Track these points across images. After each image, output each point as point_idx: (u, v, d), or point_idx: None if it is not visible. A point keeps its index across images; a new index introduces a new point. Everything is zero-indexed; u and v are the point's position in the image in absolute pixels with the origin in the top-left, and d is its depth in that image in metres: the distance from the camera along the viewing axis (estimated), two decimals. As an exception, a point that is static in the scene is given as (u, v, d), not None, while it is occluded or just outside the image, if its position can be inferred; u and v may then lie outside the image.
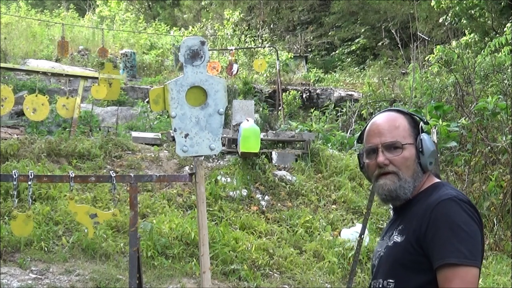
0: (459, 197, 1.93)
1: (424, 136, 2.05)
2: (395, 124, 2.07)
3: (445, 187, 2.02)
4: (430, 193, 2.00)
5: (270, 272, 6.07)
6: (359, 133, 2.20)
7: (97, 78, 8.30)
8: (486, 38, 15.07)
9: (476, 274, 1.85)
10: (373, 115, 2.19)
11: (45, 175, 5.16)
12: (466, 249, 1.84)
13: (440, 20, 16.60)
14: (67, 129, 8.70)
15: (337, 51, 22.17)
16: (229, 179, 7.76)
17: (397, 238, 1.99)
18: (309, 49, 22.55)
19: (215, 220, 6.83)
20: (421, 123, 2.10)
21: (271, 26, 23.36)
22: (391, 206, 2.16)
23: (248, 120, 8.24)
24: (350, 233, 6.88)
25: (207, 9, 24.76)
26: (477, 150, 8.04)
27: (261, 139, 8.25)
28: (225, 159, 8.46)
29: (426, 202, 1.96)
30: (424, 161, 2.03)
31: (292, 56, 17.88)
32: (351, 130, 11.88)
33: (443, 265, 1.84)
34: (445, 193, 1.95)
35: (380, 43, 21.23)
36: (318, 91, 15.65)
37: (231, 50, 13.10)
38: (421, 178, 2.04)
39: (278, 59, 13.38)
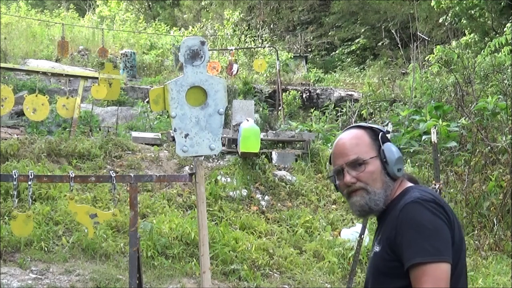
0: (423, 197, 1.96)
1: (386, 146, 2.09)
2: (355, 141, 2.12)
3: (413, 190, 2.05)
4: (400, 199, 2.04)
5: (270, 272, 6.07)
6: (330, 155, 2.27)
7: (97, 78, 8.30)
8: (486, 38, 15.08)
9: (446, 269, 1.87)
10: (337, 135, 2.24)
11: (45, 175, 5.16)
12: (431, 246, 1.86)
13: (440, 20, 16.60)
14: (67, 129, 8.70)
15: (337, 51, 22.16)
16: (229, 179, 7.76)
17: (376, 248, 2.06)
18: (309, 49, 22.55)
19: (215, 220, 6.83)
20: (381, 134, 2.13)
21: (271, 26, 23.35)
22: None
23: (248, 120, 8.24)
24: (350, 233, 6.88)
25: (207, 9, 24.76)
26: (477, 150, 8.04)
27: (261, 139, 8.25)
28: (225, 159, 8.46)
29: (395, 209, 2.01)
30: (391, 170, 2.07)
31: (292, 56, 17.88)
32: (351, 130, 11.87)
33: (412, 266, 1.88)
34: (409, 196, 2.00)
35: (380, 43, 21.22)
36: (318, 91, 15.66)
37: (231, 50, 13.10)
38: (391, 186, 2.09)
39: (278, 59, 13.38)
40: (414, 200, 1.95)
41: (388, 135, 2.17)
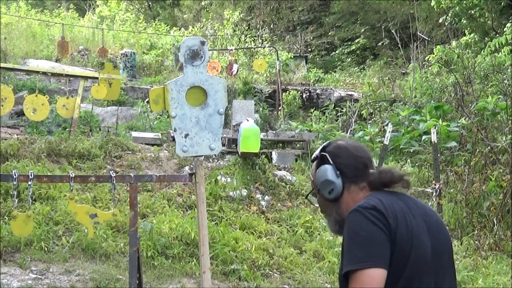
0: (364, 205, 1.99)
1: (317, 173, 2.17)
2: (311, 174, 2.27)
3: (365, 199, 2.08)
4: None
5: (270, 272, 6.06)
6: None
7: (97, 78, 8.30)
8: (486, 38, 15.08)
9: (376, 275, 1.88)
10: None
11: (45, 175, 5.16)
12: (362, 253, 1.89)
13: (440, 20, 16.60)
14: (67, 129, 8.70)
15: (337, 51, 22.16)
16: (229, 179, 7.76)
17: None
18: (309, 49, 22.55)
19: (215, 220, 6.82)
20: (315, 162, 2.21)
21: (271, 26, 23.36)
22: None
23: (248, 120, 8.24)
24: (350, 233, 6.87)
25: (207, 9, 24.76)
26: (477, 150, 8.04)
27: (261, 139, 8.25)
28: (225, 159, 8.46)
29: None
30: (323, 194, 2.16)
31: (292, 56, 17.88)
32: (351, 130, 11.88)
33: (346, 274, 1.92)
34: (355, 205, 2.04)
35: (380, 43, 21.22)
36: (318, 91, 15.66)
37: (231, 50, 13.11)
38: (337, 207, 2.15)
39: (278, 59, 13.39)
40: (355, 209, 1.99)
41: (327, 154, 2.16)
